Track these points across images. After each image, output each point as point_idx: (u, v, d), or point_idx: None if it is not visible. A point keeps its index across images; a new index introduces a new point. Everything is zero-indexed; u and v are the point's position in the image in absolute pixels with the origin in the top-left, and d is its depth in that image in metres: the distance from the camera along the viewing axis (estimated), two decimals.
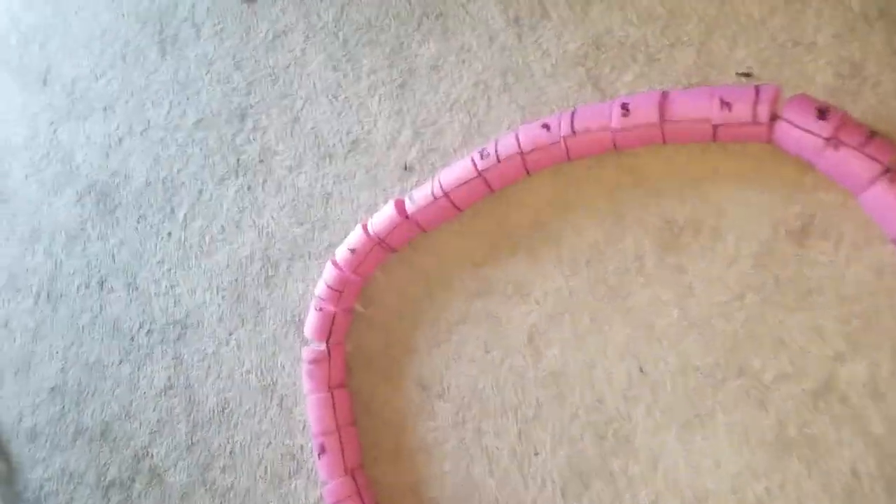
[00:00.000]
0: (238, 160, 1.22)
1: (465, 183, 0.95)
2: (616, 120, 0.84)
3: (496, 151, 0.94)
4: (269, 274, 1.12)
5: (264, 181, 1.18)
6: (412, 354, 0.99)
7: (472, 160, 0.95)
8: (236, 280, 1.14)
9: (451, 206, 0.97)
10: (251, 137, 1.22)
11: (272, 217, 1.15)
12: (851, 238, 0.77)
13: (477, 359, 0.94)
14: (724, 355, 0.80)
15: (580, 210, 0.93)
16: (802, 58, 0.82)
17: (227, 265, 1.15)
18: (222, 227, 1.18)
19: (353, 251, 0.99)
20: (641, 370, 0.84)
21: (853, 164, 0.71)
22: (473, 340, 0.95)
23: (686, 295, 0.84)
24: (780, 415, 0.77)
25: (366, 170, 1.11)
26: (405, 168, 1.08)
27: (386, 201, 1.06)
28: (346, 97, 1.16)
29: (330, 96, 1.18)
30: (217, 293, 1.15)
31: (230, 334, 1.12)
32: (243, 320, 1.11)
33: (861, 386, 0.75)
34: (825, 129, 0.72)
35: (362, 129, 1.13)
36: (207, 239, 1.19)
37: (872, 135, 0.71)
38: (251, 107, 1.24)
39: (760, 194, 0.81)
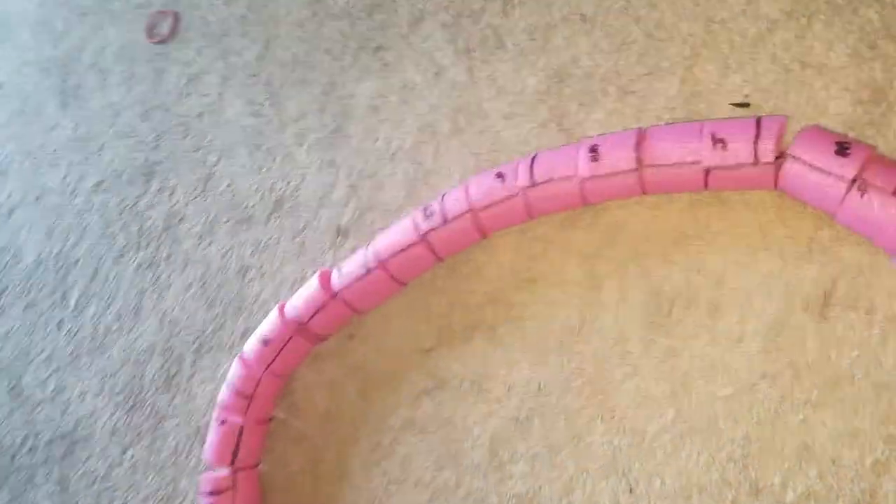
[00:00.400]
0: (140, 229, 1.11)
1: (406, 250, 0.83)
2: (584, 166, 0.72)
3: (443, 209, 0.82)
4: (171, 372, 0.99)
5: (169, 255, 1.06)
6: (344, 476, 0.85)
7: (414, 221, 0.84)
8: (133, 381, 1.01)
9: (390, 279, 0.85)
10: (156, 200, 1.11)
11: (176, 299, 1.03)
12: (886, 307, 0.64)
13: (426, 481, 0.80)
14: (734, 469, 0.67)
15: (548, 281, 0.80)
16: (812, 82, 0.71)
17: (123, 363, 1.03)
18: (118, 314, 1.06)
19: (266, 342, 0.86)
20: (631, 491, 0.71)
21: (886, 212, 0.59)
22: (422, 454, 0.82)
23: (682, 388, 0.71)
24: None
25: (292, 235, 1.00)
26: (338, 232, 0.97)
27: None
28: (268, 147, 1.06)
29: (250, 147, 1.07)
30: (110, 399, 1.02)
31: (124, 452, 0.98)
32: (139, 433, 0.98)
33: None
34: (847, 168, 0.60)
35: (288, 185, 1.02)
36: (101, 330, 1.06)
37: None
38: (158, 163, 1.14)
39: (768, 256, 0.69)
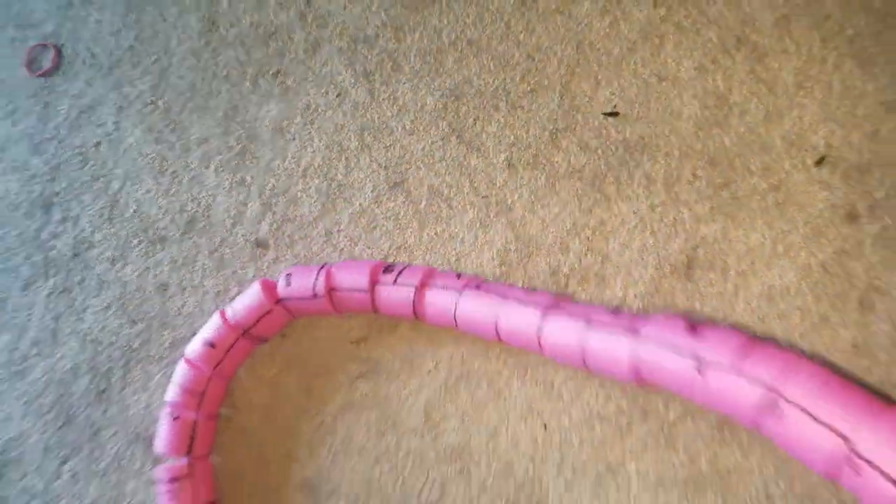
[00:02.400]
0: (46, 258, 1.16)
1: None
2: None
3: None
4: (101, 388, 1.06)
5: (82, 279, 1.13)
6: (293, 457, 0.97)
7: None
8: (61, 400, 1.07)
9: (332, 305, 0.96)
10: (60, 230, 1.17)
11: (96, 320, 1.10)
12: (736, 266, 0.87)
13: (368, 446, 0.94)
14: (627, 400, 0.86)
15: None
16: (668, 92, 0.93)
17: (47, 384, 1.08)
18: (35, 340, 1.11)
19: (213, 345, 0.96)
20: (545, 428, 0.88)
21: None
22: (363, 427, 0.95)
23: None
24: (689, 452, 0.83)
25: (209, 251, 1.10)
26: (257, 244, 1.08)
27: (239, 285, 1.05)
28: (174, 171, 1.15)
29: (154, 172, 1.16)
30: (38, 419, 1.06)
31: (62, 464, 1.03)
32: (76, 446, 1.04)
33: None
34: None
35: (198, 205, 1.12)
36: (17, 356, 1.10)
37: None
38: (56, 194, 1.19)
39: (642, 235, 0.90)
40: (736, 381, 0.68)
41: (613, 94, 0.94)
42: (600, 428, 0.86)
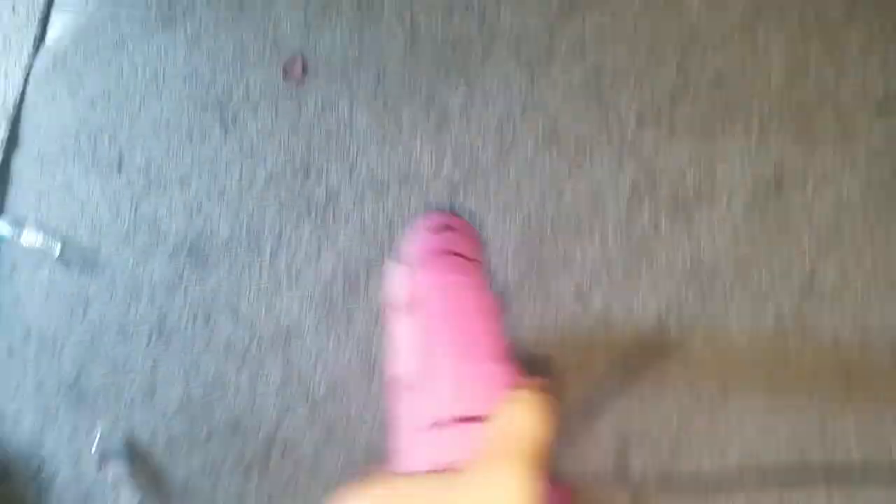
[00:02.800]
0: (308, 204, 1.69)
1: None
2: None
3: None
4: (352, 285, 1.58)
5: (334, 216, 1.65)
6: None
7: None
8: (325, 293, 1.60)
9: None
10: (317, 185, 1.70)
11: (344, 243, 1.62)
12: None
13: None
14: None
15: None
16: (761, 63, 1.33)
17: (315, 284, 1.61)
18: (306, 256, 1.65)
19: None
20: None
21: None
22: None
23: None
24: None
25: (418, 195, 1.59)
26: (452, 188, 1.56)
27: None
28: (391, 142, 1.65)
29: (378, 144, 1.67)
30: (311, 308, 1.60)
31: (328, 336, 1.56)
32: (337, 324, 1.56)
33: None
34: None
35: (410, 164, 1.62)
36: (294, 268, 1.65)
37: None
38: (313, 161, 1.73)
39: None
40: None
41: (718, 65, 1.35)
42: None
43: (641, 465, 1.28)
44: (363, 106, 1.71)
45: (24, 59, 2.22)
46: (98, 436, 1.71)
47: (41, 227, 1.99)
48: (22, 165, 2.10)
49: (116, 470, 1.63)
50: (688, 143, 1.34)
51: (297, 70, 1.83)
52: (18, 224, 2.00)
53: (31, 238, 1.97)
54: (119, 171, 1.98)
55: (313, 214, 1.68)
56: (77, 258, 1.94)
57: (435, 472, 0.51)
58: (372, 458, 1.48)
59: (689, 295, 1.31)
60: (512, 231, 1.47)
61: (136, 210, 1.92)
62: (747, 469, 1.22)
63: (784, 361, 1.25)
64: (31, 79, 2.19)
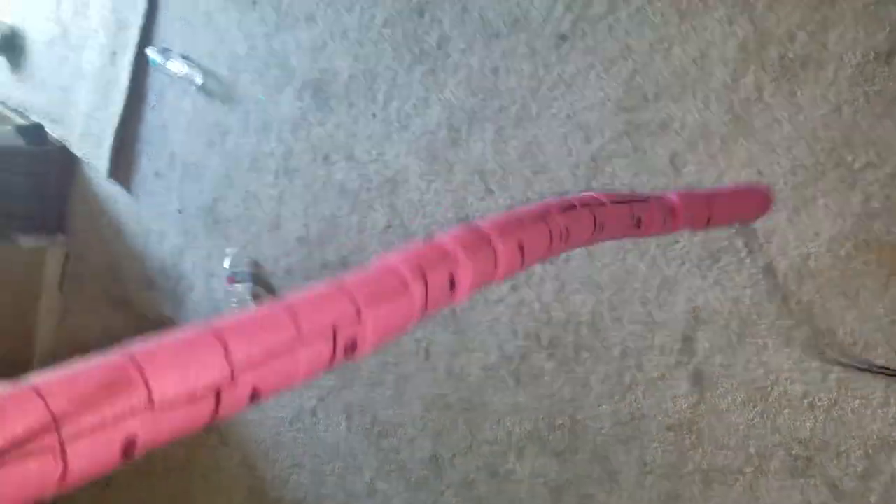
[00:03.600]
0: (421, 49, 1.70)
1: None
2: None
3: None
4: (454, 137, 1.61)
5: (443, 64, 1.66)
6: None
7: None
8: (429, 144, 1.65)
9: None
10: (430, 29, 1.70)
11: (452, 92, 1.63)
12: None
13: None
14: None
15: None
16: None
17: (421, 133, 1.66)
18: (414, 104, 1.69)
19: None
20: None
21: None
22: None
23: None
24: None
25: (526, 43, 1.55)
26: (560, 37, 1.51)
27: (546, 70, 1.50)
28: None
29: None
30: (416, 156, 1.66)
31: (429, 184, 1.63)
32: (438, 173, 1.62)
33: None
34: None
35: (520, 9, 1.57)
36: (403, 115, 1.70)
37: None
38: (427, 3, 1.71)
39: None
40: None
41: None
42: None
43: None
44: None
45: None
46: (229, 258, 1.93)
47: (186, 57, 2.14)
48: None
49: (242, 290, 1.85)
50: (803, 2, 1.21)
51: None
52: (166, 52, 2.16)
53: (176, 66, 2.14)
54: (254, 3, 2.06)
55: (424, 61, 1.69)
56: (217, 89, 2.09)
57: None
58: (454, 306, 1.58)
59: (782, 170, 1.24)
60: (615, 87, 1.42)
61: (269, 45, 2.02)
62: None
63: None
64: None
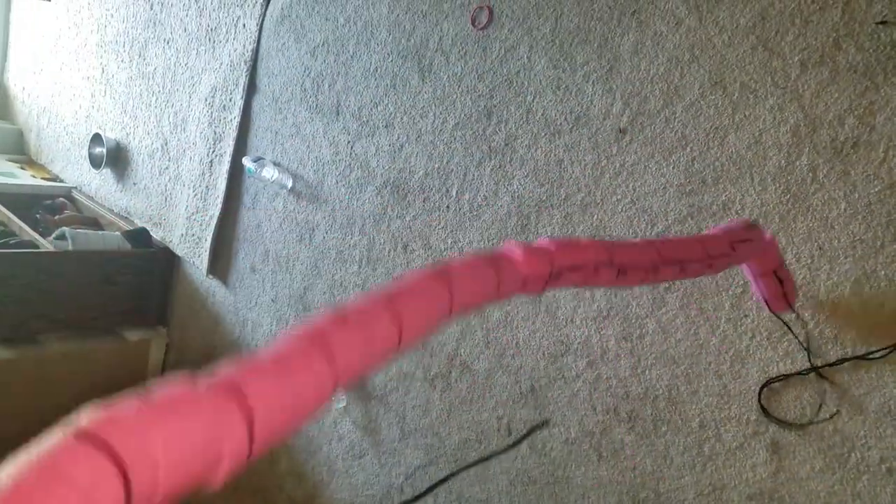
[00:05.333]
0: (489, 147, 1.76)
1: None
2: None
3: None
4: (523, 223, 1.65)
5: (510, 159, 1.71)
6: None
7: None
8: (499, 230, 1.69)
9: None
10: (497, 129, 1.77)
11: (520, 182, 1.68)
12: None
13: None
14: None
15: None
16: None
17: (492, 221, 1.70)
18: (485, 196, 1.74)
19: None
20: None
21: None
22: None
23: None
24: None
25: (587, 137, 1.60)
26: (620, 131, 1.55)
27: (608, 160, 1.54)
28: (566, 86, 1.66)
29: (553, 88, 1.68)
30: (487, 242, 1.70)
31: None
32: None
33: None
34: None
35: (581, 107, 1.62)
36: (475, 206, 1.75)
37: None
38: (494, 107, 1.79)
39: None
40: None
41: (884, 7, 1.20)
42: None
43: None
44: (540, 51, 1.73)
45: (258, 12, 2.46)
46: None
47: (277, 163, 2.25)
48: (259, 109, 2.37)
49: None
50: (849, 90, 1.22)
51: (484, 20, 1.87)
52: (260, 160, 2.29)
53: (269, 172, 2.25)
54: (337, 115, 2.18)
55: (493, 157, 1.75)
56: (305, 191, 2.19)
57: None
58: (535, 383, 1.58)
59: (840, 244, 1.23)
60: (675, 174, 1.44)
61: (351, 150, 2.12)
62: None
63: None
64: (263, 30, 2.43)
